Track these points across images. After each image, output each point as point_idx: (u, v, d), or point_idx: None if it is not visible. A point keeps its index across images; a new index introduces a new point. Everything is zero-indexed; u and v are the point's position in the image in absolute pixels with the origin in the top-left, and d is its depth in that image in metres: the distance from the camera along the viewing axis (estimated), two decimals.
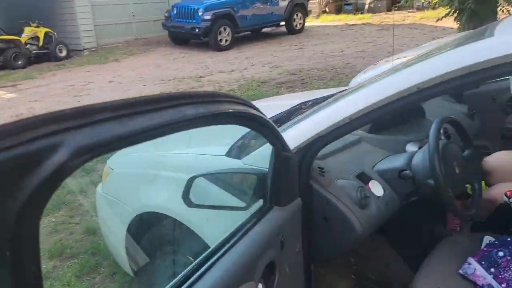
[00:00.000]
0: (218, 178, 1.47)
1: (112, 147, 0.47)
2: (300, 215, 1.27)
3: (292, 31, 10.57)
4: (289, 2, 10.10)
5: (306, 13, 11.12)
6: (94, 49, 10.03)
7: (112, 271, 2.19)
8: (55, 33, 9.41)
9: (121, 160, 1.95)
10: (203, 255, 0.93)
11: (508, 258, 1.42)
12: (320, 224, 1.43)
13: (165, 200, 1.67)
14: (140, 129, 0.49)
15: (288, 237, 1.18)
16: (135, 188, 1.90)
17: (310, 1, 11.91)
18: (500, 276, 1.38)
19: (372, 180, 1.49)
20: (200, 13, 8.64)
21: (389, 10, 12.53)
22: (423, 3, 10.79)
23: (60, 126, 0.37)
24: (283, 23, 10.60)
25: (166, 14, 9.62)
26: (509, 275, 1.38)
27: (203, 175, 1.34)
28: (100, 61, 8.91)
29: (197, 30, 8.65)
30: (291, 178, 1.20)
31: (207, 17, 8.64)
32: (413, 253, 1.84)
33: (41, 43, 9.06)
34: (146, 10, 11.02)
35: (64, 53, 9.21)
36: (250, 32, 10.30)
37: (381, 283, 1.96)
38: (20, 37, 8.77)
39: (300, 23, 10.76)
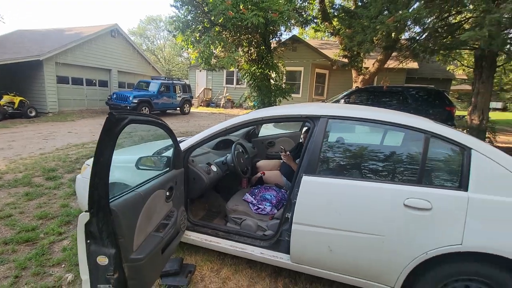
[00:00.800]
0: (151, 159, 2.00)
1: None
2: (183, 176, 2.01)
3: (183, 113, 13.36)
4: (182, 98, 13.21)
5: (190, 104, 14.18)
6: (56, 112, 11.26)
7: None
8: (28, 101, 10.34)
9: None
10: (143, 185, 1.52)
11: (256, 191, 2.55)
12: (190, 181, 2.20)
13: (121, 176, 2.11)
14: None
15: (178, 182, 1.89)
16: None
17: (193, 99, 15.59)
18: (255, 198, 2.50)
19: (212, 165, 2.44)
20: (131, 98, 11.00)
21: (231, 107, 16.52)
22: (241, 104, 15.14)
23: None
24: (178, 108, 13.28)
25: (109, 97, 11.80)
26: (256, 197, 2.49)
27: (145, 157, 1.89)
28: (61, 120, 10.18)
29: (128, 107, 10.85)
30: (180, 159, 1.96)
31: (135, 101, 11.02)
32: (227, 196, 2.62)
33: (16, 106, 9.96)
34: (95, 93, 13.06)
35: (33, 114, 10.23)
36: (159, 112, 12.56)
37: (217, 210, 2.75)
38: None
39: (188, 109, 13.74)
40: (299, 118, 2.12)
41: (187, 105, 13.78)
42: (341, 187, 1.81)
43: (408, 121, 1.83)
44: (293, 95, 10.23)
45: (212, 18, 5.79)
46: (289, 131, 4.13)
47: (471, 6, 3.77)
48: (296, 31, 14.64)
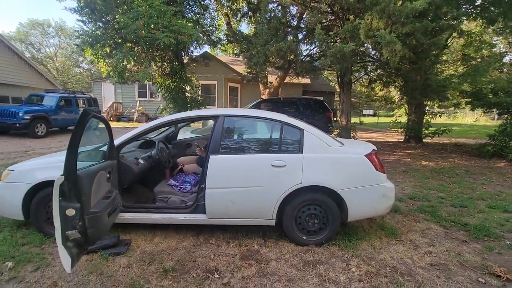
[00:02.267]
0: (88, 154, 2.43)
1: None
2: (116, 166, 2.55)
3: None
4: None
5: None
6: None
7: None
8: None
9: (21, 165, 2.93)
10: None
11: (178, 177, 3.23)
12: (122, 172, 2.71)
13: (49, 175, 2.65)
14: None
15: (113, 170, 2.47)
16: (32, 173, 2.74)
17: (101, 113, 14.89)
18: (177, 181, 3.19)
19: (139, 159, 3.07)
20: (20, 114, 9.44)
21: (146, 121, 15.98)
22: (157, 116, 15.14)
23: None
24: None
25: None
26: (178, 181, 3.16)
27: (84, 151, 2.33)
28: None
29: (17, 125, 9.42)
30: (113, 152, 2.49)
31: (27, 117, 9.55)
32: (153, 184, 3.20)
33: None
34: None
35: None
36: (59, 129, 11.40)
37: (145, 200, 3.23)
38: None
39: None
40: (205, 117, 3.07)
41: None
42: (235, 160, 2.82)
43: (271, 115, 3.02)
44: (208, 107, 11.21)
45: (123, 35, 6.18)
46: (202, 135, 5.01)
47: (317, 43, 5.67)
48: (207, 47, 15.79)
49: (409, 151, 9.37)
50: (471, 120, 24.57)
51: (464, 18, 8.09)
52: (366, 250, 2.80)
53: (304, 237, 2.85)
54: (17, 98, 13.00)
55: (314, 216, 2.85)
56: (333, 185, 2.75)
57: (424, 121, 10.89)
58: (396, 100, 14.90)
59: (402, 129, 11.77)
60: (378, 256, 2.69)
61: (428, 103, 11.54)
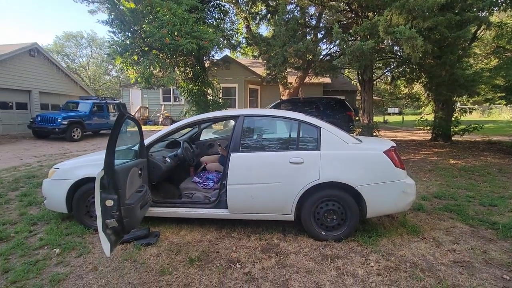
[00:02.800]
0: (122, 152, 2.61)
1: None
2: (146, 164, 2.82)
3: None
4: None
5: None
6: None
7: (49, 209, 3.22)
8: None
9: (64, 164, 3.25)
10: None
11: (201, 175, 3.60)
12: (151, 169, 2.92)
13: (88, 172, 2.97)
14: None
15: (144, 167, 2.73)
16: (74, 171, 3.06)
17: None
18: (201, 179, 3.53)
19: (166, 158, 3.23)
20: (59, 120, 10.41)
21: (171, 124, 16.18)
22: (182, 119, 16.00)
23: None
24: None
25: (32, 119, 11.02)
26: (202, 178, 3.51)
27: (119, 150, 2.41)
28: None
29: (56, 130, 10.33)
30: (143, 151, 2.80)
31: (65, 122, 10.45)
32: (179, 181, 3.48)
33: None
34: (12, 116, 12.00)
35: None
36: (92, 133, 12.33)
37: (172, 196, 3.42)
38: None
39: None
40: (226, 117, 3.24)
41: None
42: (254, 157, 2.96)
43: (289, 114, 3.13)
44: (229, 109, 11.48)
45: (149, 43, 6.59)
46: (223, 135, 5.21)
47: (337, 42, 5.67)
48: (228, 51, 16.16)
49: (436, 150, 8.98)
50: (508, 117, 22.84)
51: (495, 8, 7.65)
52: (386, 247, 2.81)
53: (323, 233, 2.92)
54: (55, 105, 14.16)
55: (332, 212, 2.91)
56: (351, 181, 2.80)
57: (453, 118, 10.37)
58: (423, 98, 14.27)
59: (428, 127, 11.27)
60: (398, 252, 2.70)
61: (458, 99, 10.97)
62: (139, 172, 2.62)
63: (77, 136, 10.90)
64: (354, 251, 2.72)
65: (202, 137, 4.98)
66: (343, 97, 10.06)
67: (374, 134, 9.24)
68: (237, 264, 2.49)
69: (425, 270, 2.41)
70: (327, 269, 2.41)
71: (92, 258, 2.58)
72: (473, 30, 6.84)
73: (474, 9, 5.61)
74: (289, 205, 2.89)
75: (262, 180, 2.89)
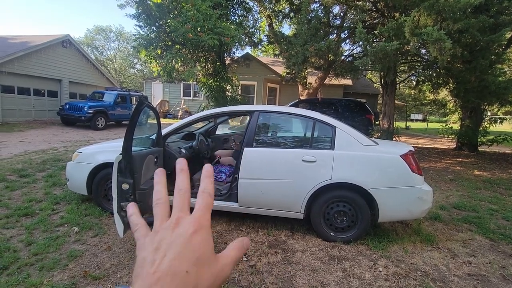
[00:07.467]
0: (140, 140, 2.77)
1: None
2: (162, 152, 2.91)
3: None
4: None
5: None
6: (0, 123, 10.71)
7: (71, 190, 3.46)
8: None
9: (87, 148, 3.46)
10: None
11: (214, 167, 3.65)
12: (166, 159, 2.97)
13: (107, 157, 3.12)
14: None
15: (159, 155, 2.85)
16: (95, 156, 3.26)
17: None
18: (214, 171, 4.01)
19: (182, 149, 3.40)
20: (85, 109, 10.80)
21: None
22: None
23: None
24: None
25: (61, 107, 11.53)
26: (215, 171, 3.54)
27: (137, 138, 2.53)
28: (7, 131, 9.50)
29: (82, 118, 10.74)
30: (161, 140, 2.96)
31: (90, 111, 10.82)
32: (193, 172, 3.43)
33: None
34: (43, 103, 12.67)
35: None
36: (114, 122, 12.57)
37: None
38: None
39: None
40: (242, 112, 3.27)
41: None
42: (267, 153, 2.97)
43: (304, 112, 3.11)
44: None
45: (173, 38, 6.76)
46: (239, 131, 5.25)
47: (360, 43, 5.53)
48: (249, 48, 16.22)
49: (460, 159, 8.55)
50: None
51: None
52: (397, 253, 2.73)
53: (332, 233, 2.89)
54: (83, 94, 14.83)
55: (343, 213, 2.87)
56: (364, 183, 2.74)
57: (481, 127, 9.80)
58: (450, 105, 13.57)
59: (453, 136, 10.74)
60: (409, 260, 2.62)
61: (488, 107, 10.35)
62: (155, 160, 2.71)
63: (101, 125, 11.29)
64: (362, 254, 2.67)
65: (218, 132, 5.05)
66: (363, 100, 9.80)
67: (394, 139, 8.95)
68: (244, 256, 2.52)
69: (437, 280, 2.32)
70: (333, 270, 2.39)
71: (107, 239, 2.71)
72: (508, 35, 6.42)
73: (511, 12, 5.26)
74: (299, 203, 2.88)
75: (274, 176, 2.90)
